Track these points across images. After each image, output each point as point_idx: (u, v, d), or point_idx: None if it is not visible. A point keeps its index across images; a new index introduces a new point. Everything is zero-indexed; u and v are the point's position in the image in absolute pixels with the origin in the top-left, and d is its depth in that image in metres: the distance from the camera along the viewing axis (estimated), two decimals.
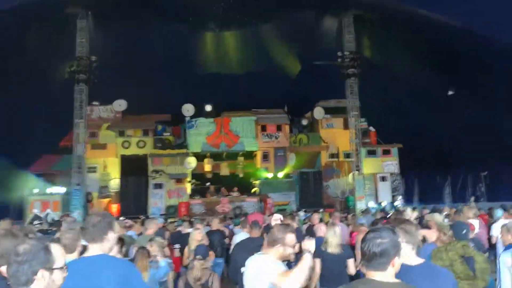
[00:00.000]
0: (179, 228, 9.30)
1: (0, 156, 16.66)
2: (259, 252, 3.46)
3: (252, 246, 4.69)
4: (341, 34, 22.62)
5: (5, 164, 16.92)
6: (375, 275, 2.14)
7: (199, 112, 22.44)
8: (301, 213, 14.85)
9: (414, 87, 21.15)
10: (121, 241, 6.09)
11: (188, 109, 22.09)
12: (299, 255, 3.26)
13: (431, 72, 20.63)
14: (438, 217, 7.37)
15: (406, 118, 20.97)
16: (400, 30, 22.29)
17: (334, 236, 5.47)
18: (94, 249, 2.62)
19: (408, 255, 2.58)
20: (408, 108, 21.34)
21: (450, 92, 20.38)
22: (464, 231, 4.81)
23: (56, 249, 1.95)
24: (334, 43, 22.86)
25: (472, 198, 13.40)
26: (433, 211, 9.57)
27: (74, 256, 3.16)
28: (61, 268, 1.92)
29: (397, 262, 2.14)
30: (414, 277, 2.48)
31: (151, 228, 6.90)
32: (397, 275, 2.34)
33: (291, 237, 3.28)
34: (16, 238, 2.51)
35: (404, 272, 2.42)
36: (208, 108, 22.49)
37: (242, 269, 4.46)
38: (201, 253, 4.79)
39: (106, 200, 20.94)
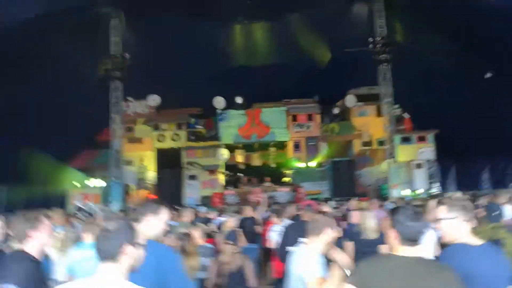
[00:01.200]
0: (209, 216, 9.54)
1: (42, 151, 17.56)
2: (304, 241, 3.53)
3: (302, 228, 4.83)
4: (371, 20, 22.19)
5: (46, 158, 17.82)
6: (406, 251, 2.21)
7: (230, 105, 22.73)
8: (332, 203, 14.78)
9: (449, 71, 20.40)
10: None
11: (219, 102, 22.43)
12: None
13: (466, 55, 19.84)
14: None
15: (441, 104, 20.28)
16: (432, 13, 21.53)
17: (370, 221, 5.48)
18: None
19: (468, 234, 2.49)
20: (443, 93, 20.64)
21: (487, 75, 19.54)
22: (496, 213, 4.74)
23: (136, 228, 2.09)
24: (364, 30, 22.43)
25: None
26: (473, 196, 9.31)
27: None
28: (143, 245, 2.07)
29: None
30: (477, 256, 2.41)
31: (187, 215, 7.08)
32: (457, 255, 2.42)
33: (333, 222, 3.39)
34: (28, 220, 2.77)
35: (466, 251, 2.42)
36: (239, 100, 22.73)
37: (290, 249, 4.61)
38: (232, 238, 4.92)
39: (143, 192, 21.66)
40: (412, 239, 2.21)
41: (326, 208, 8.13)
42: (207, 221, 9.30)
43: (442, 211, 2.58)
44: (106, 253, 1.89)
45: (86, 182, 20.31)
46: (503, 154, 18.68)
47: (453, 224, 2.52)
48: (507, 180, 17.58)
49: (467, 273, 2.24)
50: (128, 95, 22.78)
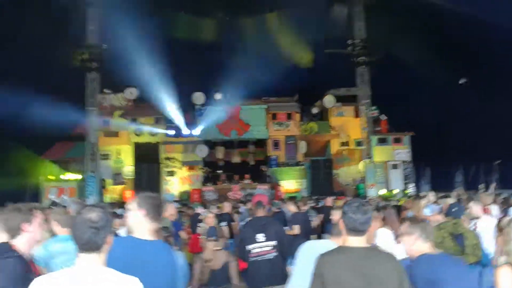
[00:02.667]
0: (197, 211, 9.50)
1: (16, 143, 16.88)
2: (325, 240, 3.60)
3: (257, 225, 4.85)
4: (352, 23, 22.50)
5: (20, 150, 17.15)
6: (353, 241, 2.42)
7: (210, 100, 22.52)
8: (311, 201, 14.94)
9: (425, 75, 21.00)
10: None
11: (198, 98, 22.19)
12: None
13: (443, 60, 20.47)
14: (449, 200, 7.47)
15: (417, 106, 20.88)
16: (411, 17, 22.06)
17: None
18: None
19: (427, 249, 2.75)
20: (420, 96, 21.24)
21: (462, 80, 20.24)
22: (454, 209, 4.95)
23: None
24: (344, 32, 22.73)
25: (481, 186, 13.40)
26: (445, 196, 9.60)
27: None
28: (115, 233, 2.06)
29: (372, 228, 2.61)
30: (440, 262, 2.64)
31: (167, 211, 7.00)
32: (421, 264, 2.65)
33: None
34: (22, 213, 2.63)
35: (429, 259, 2.66)
36: (219, 96, 22.55)
37: (248, 247, 4.60)
38: (213, 235, 4.82)
39: (120, 187, 21.19)
40: (355, 229, 2.40)
41: (292, 207, 8.43)
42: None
43: (403, 227, 2.89)
44: (93, 245, 1.88)
45: (61, 175, 19.65)
46: (475, 157, 19.43)
47: (410, 239, 2.79)
48: (478, 182, 18.25)
49: (433, 279, 2.51)
50: (105, 87, 22.19)
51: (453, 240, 4.28)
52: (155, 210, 2.63)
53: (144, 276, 2.04)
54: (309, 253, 3.23)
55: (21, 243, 2.56)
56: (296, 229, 7.59)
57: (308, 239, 7.21)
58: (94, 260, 1.89)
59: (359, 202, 2.49)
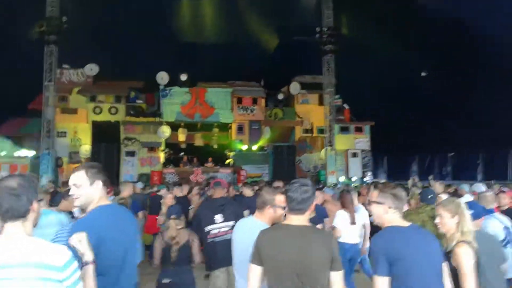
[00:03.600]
0: (160, 193, 9.36)
1: None
2: (250, 216, 3.46)
3: (214, 206, 4.83)
4: (320, 10, 22.56)
5: None
6: (294, 219, 2.53)
7: (174, 81, 22.07)
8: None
9: (389, 66, 21.50)
10: None
11: (162, 77, 21.69)
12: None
13: (408, 52, 21.01)
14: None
15: (379, 97, 21.39)
16: (379, 8, 22.45)
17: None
18: None
19: (397, 220, 2.67)
20: (382, 87, 21.75)
21: (423, 73, 20.86)
22: (430, 196, 5.23)
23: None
24: (313, 19, 22.79)
25: (431, 177, 13.99)
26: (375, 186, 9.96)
27: None
28: (41, 200, 2.04)
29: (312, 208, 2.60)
30: (408, 235, 2.59)
31: (126, 190, 6.93)
32: (391, 235, 2.59)
33: (280, 198, 3.24)
34: None
35: (398, 231, 2.60)
36: (183, 77, 22.15)
37: (206, 228, 4.59)
38: (175, 213, 4.73)
39: (76, 166, 20.47)
40: (295, 208, 2.53)
41: (248, 191, 8.44)
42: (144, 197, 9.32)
43: (373, 196, 2.78)
44: (15, 212, 1.85)
45: (14, 152, 18.74)
46: (431, 150, 20.23)
47: (380, 209, 2.69)
48: (432, 173, 19.00)
49: (393, 253, 2.49)
50: (64, 62, 21.25)
51: (434, 225, 4.43)
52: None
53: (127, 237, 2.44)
54: (242, 230, 3.27)
55: None
56: (245, 214, 7.55)
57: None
58: (19, 228, 1.85)
59: (300, 183, 2.59)
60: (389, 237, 2.57)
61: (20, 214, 1.86)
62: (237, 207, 4.92)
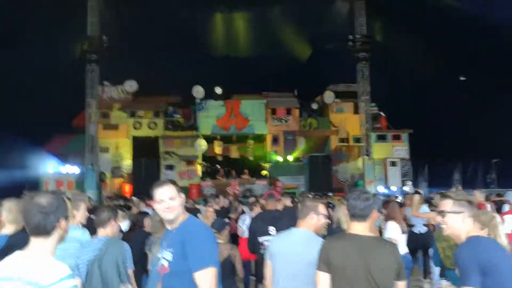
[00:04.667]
0: (198, 206, 9.54)
1: (15, 135, 16.84)
2: (293, 228, 3.43)
3: (268, 217, 4.89)
4: (352, 18, 22.44)
5: (20, 142, 17.10)
6: (356, 227, 2.63)
7: (209, 95, 22.50)
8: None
9: (426, 72, 21.02)
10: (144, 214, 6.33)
11: (198, 91, 22.17)
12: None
13: (443, 57, 20.48)
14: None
15: (417, 104, 20.91)
16: (413, 14, 22.03)
17: (342, 213, 5.62)
18: None
19: (476, 229, 2.62)
20: (419, 94, 21.27)
21: (462, 78, 20.25)
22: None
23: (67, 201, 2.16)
24: (345, 27, 22.67)
25: (459, 186, 13.48)
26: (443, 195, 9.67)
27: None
28: (69, 217, 2.12)
29: (374, 216, 2.75)
30: (494, 246, 2.58)
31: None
32: (481, 245, 2.52)
33: (322, 206, 3.33)
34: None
35: (484, 241, 2.56)
36: (218, 90, 22.52)
37: (260, 239, 4.64)
38: (216, 227, 4.78)
39: (119, 180, 21.17)
40: (355, 215, 2.63)
41: (287, 201, 8.39)
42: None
43: (447, 205, 2.67)
44: (41, 229, 1.92)
45: (60, 168, 19.61)
46: (474, 156, 19.52)
47: (458, 218, 2.59)
48: (476, 181, 18.34)
49: (486, 263, 2.41)
50: (105, 79, 22.13)
51: None
52: None
53: None
54: (283, 242, 3.27)
55: None
56: None
57: None
58: (41, 244, 1.93)
59: (361, 191, 2.72)
60: (478, 247, 2.48)
61: (46, 232, 1.93)
62: (289, 220, 4.98)
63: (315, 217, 3.23)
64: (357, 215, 2.63)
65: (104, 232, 3.66)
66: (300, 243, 3.12)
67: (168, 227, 2.61)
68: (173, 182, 2.64)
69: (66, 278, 1.86)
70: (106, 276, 3.30)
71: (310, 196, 10.70)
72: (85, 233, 4.00)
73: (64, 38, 20.62)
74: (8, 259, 1.93)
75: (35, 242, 1.94)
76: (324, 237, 3.62)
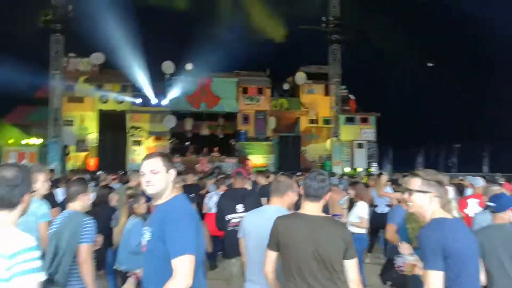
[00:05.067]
0: None
1: None
2: (267, 205, 3.41)
3: (236, 196, 4.92)
4: (326, 0, 22.41)
5: None
6: (309, 207, 2.64)
7: (180, 71, 22.06)
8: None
9: (396, 57, 21.38)
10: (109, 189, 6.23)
11: (168, 67, 21.69)
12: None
13: (414, 44, 20.88)
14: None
15: (386, 88, 21.33)
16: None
17: None
18: None
19: (441, 210, 2.50)
20: (389, 79, 21.68)
21: (430, 64, 20.73)
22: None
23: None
24: (319, 9, 22.62)
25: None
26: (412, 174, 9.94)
27: None
28: (33, 191, 2.08)
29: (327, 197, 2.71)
30: (458, 227, 2.47)
31: (135, 180, 6.94)
32: (444, 227, 2.42)
33: (296, 185, 3.40)
34: None
35: (449, 223, 2.44)
36: (189, 67, 22.12)
37: (227, 217, 4.68)
38: None
39: (83, 154, 20.66)
40: (309, 194, 2.65)
41: (262, 179, 8.45)
42: None
43: (416, 183, 2.56)
44: (6, 202, 1.88)
45: (22, 140, 18.90)
46: (436, 141, 20.20)
47: (425, 198, 2.50)
48: (438, 166, 19.00)
49: (450, 246, 2.36)
50: (70, 50, 21.28)
51: None
52: None
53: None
54: (264, 217, 3.21)
55: None
56: (263, 201, 7.65)
57: None
58: (5, 217, 1.88)
59: (318, 172, 2.73)
60: (443, 229, 2.40)
61: (11, 205, 1.89)
62: (257, 198, 5.00)
63: (291, 195, 3.26)
64: (310, 195, 2.65)
65: (73, 206, 3.48)
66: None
67: (153, 202, 2.47)
68: (163, 155, 2.45)
69: (30, 249, 1.80)
70: (58, 252, 3.19)
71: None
72: (42, 206, 3.81)
73: (28, 6, 19.63)
74: None
75: None
76: None
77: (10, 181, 1.88)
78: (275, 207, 3.21)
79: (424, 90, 20.13)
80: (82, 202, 3.57)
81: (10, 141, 18.64)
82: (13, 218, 1.91)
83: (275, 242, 2.63)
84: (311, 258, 2.52)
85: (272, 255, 2.66)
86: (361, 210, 6.01)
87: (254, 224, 3.25)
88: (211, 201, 7.17)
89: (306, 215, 2.64)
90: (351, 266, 2.58)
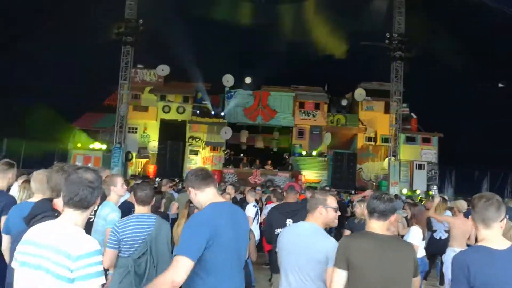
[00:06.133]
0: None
1: (49, 109, 17.39)
2: (302, 221, 3.32)
3: (287, 210, 4.87)
4: (391, 16, 21.95)
5: (52, 116, 17.66)
6: (376, 225, 2.65)
7: (239, 84, 22.55)
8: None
9: (461, 76, 20.33)
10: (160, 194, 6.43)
11: (228, 80, 22.26)
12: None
13: (481, 62, 19.73)
14: (463, 204, 7.31)
15: (449, 108, 20.28)
16: (451, 16, 21.31)
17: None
18: None
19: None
20: (453, 98, 20.62)
21: (501, 85, 19.48)
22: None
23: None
24: (382, 25, 22.19)
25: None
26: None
27: None
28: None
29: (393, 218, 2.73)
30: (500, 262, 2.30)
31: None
32: (480, 257, 2.32)
33: (332, 199, 3.26)
34: (67, 173, 2.58)
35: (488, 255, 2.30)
36: (248, 80, 22.56)
37: (277, 231, 4.65)
38: None
39: (144, 161, 21.65)
40: (374, 212, 2.67)
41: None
42: None
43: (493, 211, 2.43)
44: (85, 203, 1.98)
45: (89, 144, 20.21)
46: (504, 165, 18.83)
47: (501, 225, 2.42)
48: (505, 190, 17.70)
49: (487, 277, 2.23)
50: (138, 62, 22.52)
51: None
52: None
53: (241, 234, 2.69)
54: (290, 235, 3.21)
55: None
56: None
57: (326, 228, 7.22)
58: (78, 217, 1.99)
59: (384, 193, 2.83)
60: (479, 260, 2.38)
61: (87, 206, 2.00)
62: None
63: (323, 211, 3.13)
64: (374, 212, 2.68)
65: (144, 209, 3.53)
66: (305, 237, 3.06)
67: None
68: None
69: (95, 253, 1.89)
70: (158, 255, 3.29)
71: (327, 189, 10.64)
72: (113, 213, 3.82)
73: (103, 20, 21.05)
74: (43, 226, 1.99)
75: (72, 214, 1.99)
76: (335, 229, 3.59)
77: (92, 183, 2.01)
78: (309, 224, 3.15)
79: (491, 111, 18.89)
80: (150, 207, 3.64)
81: (78, 145, 19.99)
82: (83, 218, 2.04)
83: (344, 261, 2.59)
84: (382, 279, 2.52)
85: (342, 275, 2.59)
86: (412, 235, 5.71)
87: (287, 240, 3.21)
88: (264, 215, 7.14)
89: (375, 234, 2.65)
90: (417, 284, 2.70)
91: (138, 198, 3.54)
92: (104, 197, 3.91)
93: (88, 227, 4.15)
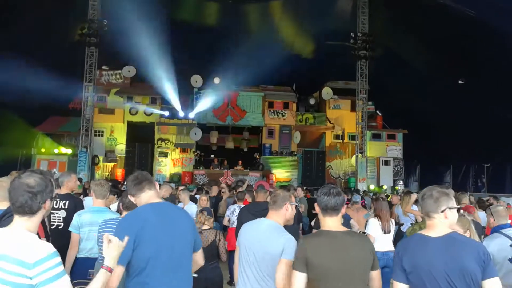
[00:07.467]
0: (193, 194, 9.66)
1: (10, 114, 16.77)
2: (264, 218, 3.34)
3: (257, 209, 4.92)
4: (355, 15, 22.43)
5: (15, 121, 17.05)
6: (329, 222, 2.70)
7: (208, 84, 22.46)
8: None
9: (424, 74, 21.01)
10: None
11: (196, 80, 22.15)
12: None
13: (444, 60, 20.44)
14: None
15: (413, 105, 20.92)
16: (415, 14, 21.95)
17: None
18: None
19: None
20: (416, 95, 21.28)
21: (461, 81, 20.24)
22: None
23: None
24: (347, 24, 22.62)
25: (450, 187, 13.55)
26: None
27: None
28: (55, 197, 2.16)
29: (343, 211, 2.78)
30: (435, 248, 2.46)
31: (165, 191, 7.10)
32: (415, 244, 2.55)
33: (293, 197, 3.42)
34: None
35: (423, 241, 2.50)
36: (217, 81, 22.49)
37: None
38: (207, 213, 5.01)
39: (112, 164, 21.21)
40: (330, 210, 2.70)
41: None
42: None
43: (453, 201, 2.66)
44: (26, 209, 1.95)
45: (54, 149, 19.61)
46: (466, 159, 19.62)
47: (455, 213, 2.59)
48: (467, 184, 18.43)
49: (417, 260, 2.48)
50: (103, 63, 22.03)
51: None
52: None
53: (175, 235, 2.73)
54: (249, 231, 3.25)
55: None
56: None
57: (299, 225, 7.33)
58: (25, 223, 1.96)
59: (330, 187, 2.79)
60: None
61: (31, 211, 1.97)
62: None
63: (289, 208, 3.21)
64: (330, 210, 2.70)
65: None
66: (264, 233, 3.10)
67: None
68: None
69: (52, 256, 1.88)
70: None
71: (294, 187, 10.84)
72: (105, 215, 4.09)
73: (65, 19, 20.46)
74: None
75: (19, 220, 1.97)
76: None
77: (32, 188, 1.97)
78: (269, 222, 3.19)
79: (453, 107, 19.61)
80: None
81: (42, 150, 19.36)
82: (32, 224, 1.99)
83: (303, 263, 2.61)
84: (342, 274, 2.55)
85: (302, 277, 2.61)
86: (368, 226, 5.89)
87: (246, 236, 3.25)
88: (234, 215, 7.12)
89: (330, 232, 2.68)
90: (376, 276, 2.66)
91: (123, 204, 3.81)
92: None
93: (57, 235, 4.12)
